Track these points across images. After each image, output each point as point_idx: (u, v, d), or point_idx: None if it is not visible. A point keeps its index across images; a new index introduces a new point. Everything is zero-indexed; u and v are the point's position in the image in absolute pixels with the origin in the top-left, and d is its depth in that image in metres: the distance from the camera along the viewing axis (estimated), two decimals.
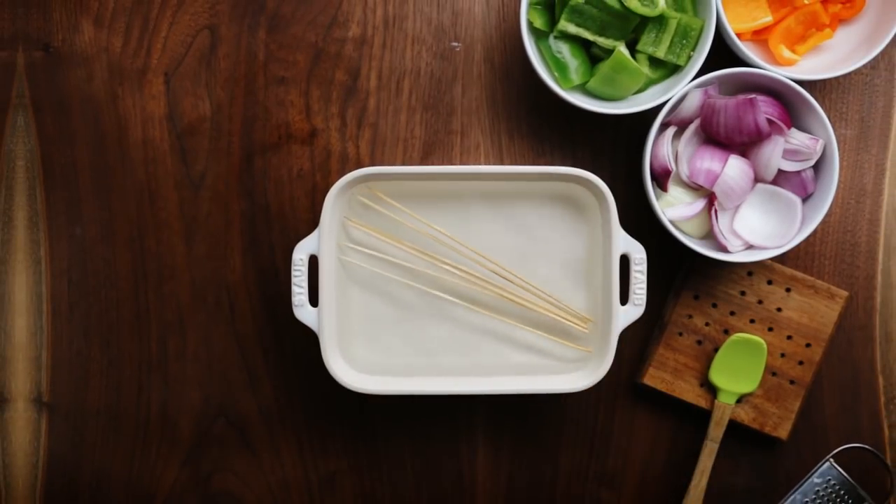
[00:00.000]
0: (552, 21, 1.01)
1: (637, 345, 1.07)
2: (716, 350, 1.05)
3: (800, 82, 1.01)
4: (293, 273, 0.99)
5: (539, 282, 1.02)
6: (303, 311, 0.99)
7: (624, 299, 1.01)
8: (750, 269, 1.05)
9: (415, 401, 1.07)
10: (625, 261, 1.00)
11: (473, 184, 1.02)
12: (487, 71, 1.07)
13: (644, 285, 0.99)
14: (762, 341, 1.04)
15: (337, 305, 1.01)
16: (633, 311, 0.99)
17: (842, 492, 1.04)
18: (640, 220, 1.06)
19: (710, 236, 1.01)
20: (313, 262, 1.01)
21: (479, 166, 1.06)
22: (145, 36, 1.07)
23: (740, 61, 1.02)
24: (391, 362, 1.03)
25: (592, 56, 1.02)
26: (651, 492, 1.07)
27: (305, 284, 0.99)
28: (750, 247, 1.00)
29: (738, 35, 1.02)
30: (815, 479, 1.05)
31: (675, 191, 1.00)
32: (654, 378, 1.05)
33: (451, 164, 1.07)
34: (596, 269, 1.02)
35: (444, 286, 1.02)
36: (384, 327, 1.03)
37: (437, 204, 1.02)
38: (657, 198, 1.00)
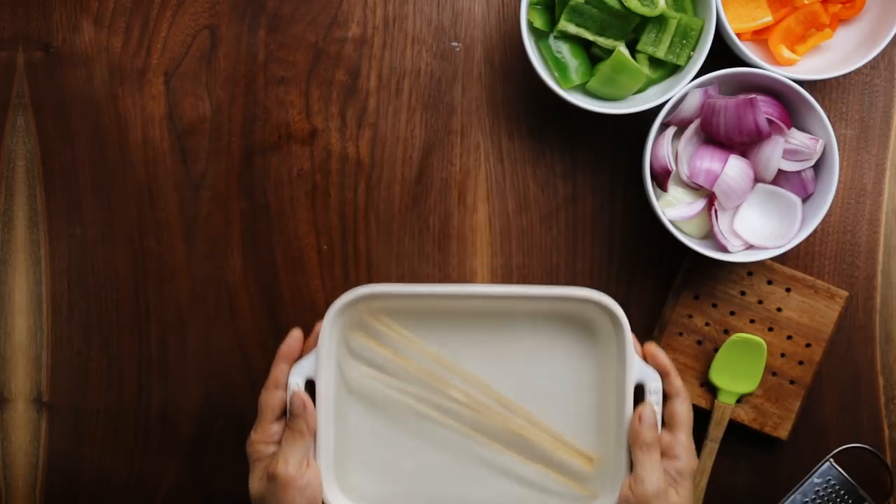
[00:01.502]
0: (552, 21, 1.01)
1: None
2: (716, 350, 1.05)
3: (800, 82, 1.00)
4: (289, 398, 0.93)
5: (547, 409, 0.97)
6: None
7: None
8: (750, 269, 1.05)
9: None
10: (639, 388, 0.94)
11: (480, 302, 0.97)
12: (487, 71, 1.07)
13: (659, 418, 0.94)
14: (762, 341, 1.04)
15: (335, 429, 0.95)
16: None
17: (842, 492, 1.04)
18: (640, 220, 1.06)
19: (710, 236, 1.01)
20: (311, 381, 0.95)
21: (487, 287, 0.97)
22: (145, 36, 1.07)
23: (740, 61, 1.02)
24: (388, 490, 0.98)
25: (592, 56, 1.02)
26: None
27: None
28: (750, 247, 1.00)
29: (738, 35, 1.02)
30: (815, 479, 1.05)
31: (675, 191, 1.00)
32: None
33: (451, 164, 1.07)
34: (608, 396, 0.96)
35: (445, 410, 0.97)
36: (382, 452, 0.98)
37: (441, 321, 0.98)
38: (657, 198, 1.00)
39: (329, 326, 0.93)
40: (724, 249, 0.99)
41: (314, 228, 1.07)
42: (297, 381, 0.93)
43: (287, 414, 0.93)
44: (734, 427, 1.06)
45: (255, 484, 0.93)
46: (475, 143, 1.07)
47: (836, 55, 1.03)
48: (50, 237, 1.07)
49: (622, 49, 0.99)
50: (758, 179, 1.01)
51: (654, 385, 0.93)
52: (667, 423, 0.94)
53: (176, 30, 1.07)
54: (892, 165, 1.07)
